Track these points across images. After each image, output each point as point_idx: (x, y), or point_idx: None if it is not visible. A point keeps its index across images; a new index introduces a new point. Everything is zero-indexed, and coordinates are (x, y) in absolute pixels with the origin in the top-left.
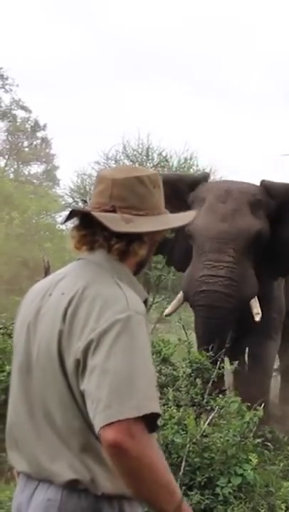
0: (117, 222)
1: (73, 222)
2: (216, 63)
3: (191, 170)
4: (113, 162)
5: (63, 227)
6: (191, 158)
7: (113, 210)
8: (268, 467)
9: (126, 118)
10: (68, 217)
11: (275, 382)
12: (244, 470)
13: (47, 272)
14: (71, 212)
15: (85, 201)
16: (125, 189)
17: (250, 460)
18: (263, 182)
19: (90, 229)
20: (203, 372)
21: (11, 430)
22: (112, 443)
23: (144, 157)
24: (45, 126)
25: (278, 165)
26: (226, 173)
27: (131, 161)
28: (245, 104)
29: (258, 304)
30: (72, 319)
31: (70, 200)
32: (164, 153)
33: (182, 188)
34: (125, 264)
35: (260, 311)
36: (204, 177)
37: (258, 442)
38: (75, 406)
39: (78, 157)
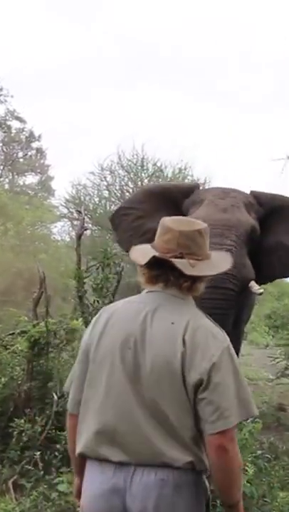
0: (187, 267)
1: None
2: (212, 69)
3: (186, 180)
4: (108, 173)
5: (58, 237)
6: (185, 168)
7: (181, 256)
8: (265, 478)
9: (120, 125)
10: (149, 261)
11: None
12: None
13: (42, 283)
14: (153, 257)
15: (80, 212)
16: (189, 239)
17: (247, 471)
18: (252, 191)
19: (161, 269)
20: None
21: (110, 427)
22: (221, 447)
23: (139, 167)
24: (40, 136)
25: (277, 170)
26: (222, 183)
27: (126, 171)
28: (238, 109)
29: (256, 284)
30: (191, 344)
31: (65, 210)
32: (158, 164)
33: (177, 196)
34: None
35: (260, 287)
36: (197, 185)
37: (259, 454)
38: (189, 408)
39: (72, 165)
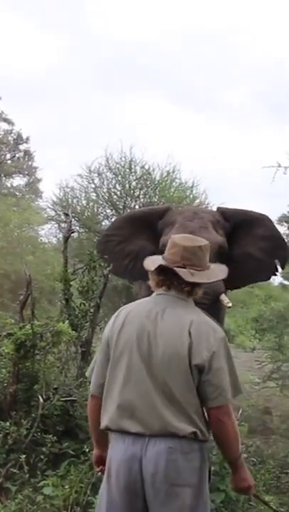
0: (187, 275)
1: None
2: (197, 74)
3: (174, 183)
4: (96, 175)
5: (45, 240)
6: (173, 172)
7: (183, 266)
8: None
9: (108, 128)
10: (157, 269)
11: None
12: (226, 486)
13: (28, 285)
14: (159, 266)
15: (67, 214)
16: (191, 253)
17: None
18: (218, 208)
19: (166, 276)
20: None
21: (128, 404)
22: (220, 420)
23: (127, 170)
24: (27, 138)
25: (264, 176)
26: (209, 186)
27: (114, 174)
28: (226, 115)
29: (226, 297)
30: (196, 336)
31: (53, 213)
32: (146, 167)
33: (152, 219)
34: None
35: (230, 301)
36: (170, 207)
37: (245, 458)
38: (193, 388)
39: (60, 167)
